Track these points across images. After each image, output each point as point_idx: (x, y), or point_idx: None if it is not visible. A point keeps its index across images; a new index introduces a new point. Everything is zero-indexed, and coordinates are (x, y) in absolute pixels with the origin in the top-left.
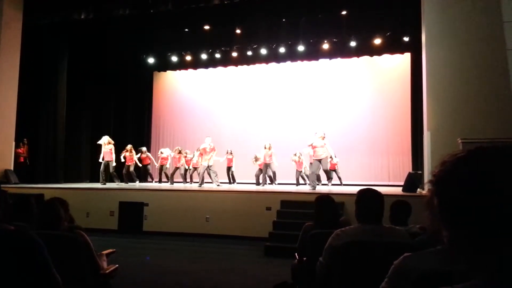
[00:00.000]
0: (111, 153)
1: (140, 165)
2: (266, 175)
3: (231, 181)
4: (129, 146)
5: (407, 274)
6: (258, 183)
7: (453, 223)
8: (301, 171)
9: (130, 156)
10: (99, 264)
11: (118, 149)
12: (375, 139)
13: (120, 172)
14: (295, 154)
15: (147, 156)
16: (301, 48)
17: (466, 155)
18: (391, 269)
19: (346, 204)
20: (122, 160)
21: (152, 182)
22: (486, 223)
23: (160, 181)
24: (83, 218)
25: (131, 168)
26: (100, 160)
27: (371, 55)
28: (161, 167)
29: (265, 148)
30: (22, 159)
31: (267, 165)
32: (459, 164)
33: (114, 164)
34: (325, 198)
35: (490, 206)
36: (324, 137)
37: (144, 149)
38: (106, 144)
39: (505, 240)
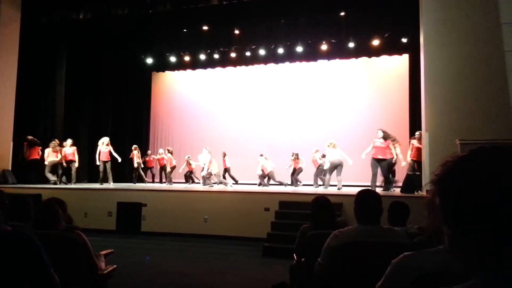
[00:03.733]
0: (109, 154)
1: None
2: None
3: (234, 181)
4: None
5: (406, 273)
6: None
7: (455, 222)
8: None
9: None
10: (97, 264)
11: (117, 150)
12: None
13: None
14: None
15: (153, 159)
16: (299, 49)
17: (467, 155)
18: (389, 267)
19: (344, 204)
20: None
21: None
22: (487, 222)
23: (160, 181)
24: (81, 219)
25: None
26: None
27: (370, 56)
28: (161, 168)
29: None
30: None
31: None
32: (461, 163)
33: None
34: (321, 199)
35: (491, 205)
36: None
37: (149, 152)
38: (106, 144)
39: (505, 239)
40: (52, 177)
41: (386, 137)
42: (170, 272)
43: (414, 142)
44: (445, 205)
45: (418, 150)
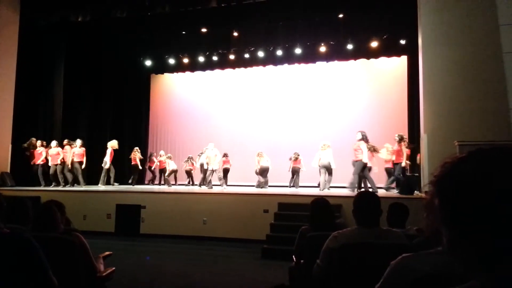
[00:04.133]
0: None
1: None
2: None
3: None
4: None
5: (405, 275)
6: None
7: (453, 223)
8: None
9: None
10: (96, 266)
11: (116, 152)
12: (371, 142)
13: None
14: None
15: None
16: (298, 50)
17: (466, 156)
18: (388, 269)
19: (343, 206)
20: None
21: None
22: (485, 223)
23: (159, 183)
24: (80, 221)
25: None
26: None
27: (368, 58)
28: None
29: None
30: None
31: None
32: (459, 164)
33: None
34: (320, 201)
35: (490, 206)
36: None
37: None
38: (115, 148)
39: (504, 240)
40: (70, 178)
41: (362, 139)
42: (169, 274)
43: (395, 146)
44: (443, 206)
45: (398, 153)
